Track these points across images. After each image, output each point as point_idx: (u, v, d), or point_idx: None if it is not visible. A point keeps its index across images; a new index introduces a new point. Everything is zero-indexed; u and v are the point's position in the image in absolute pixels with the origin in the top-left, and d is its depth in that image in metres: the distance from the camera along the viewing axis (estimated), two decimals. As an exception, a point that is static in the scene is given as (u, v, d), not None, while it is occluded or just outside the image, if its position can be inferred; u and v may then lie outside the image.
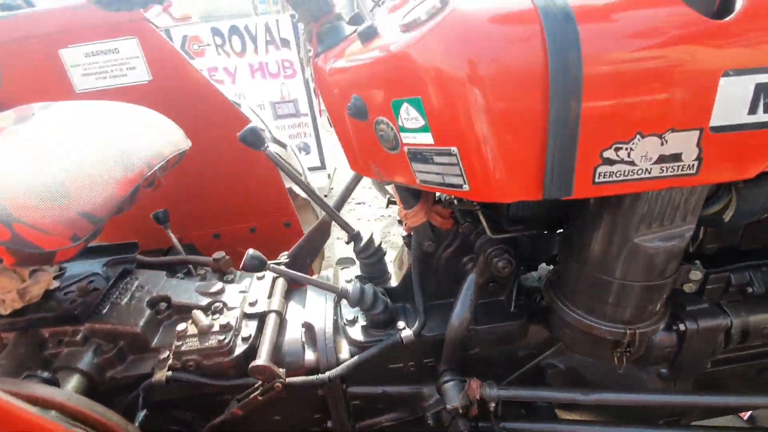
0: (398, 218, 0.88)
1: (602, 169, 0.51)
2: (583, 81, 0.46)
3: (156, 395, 0.84)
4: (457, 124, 0.51)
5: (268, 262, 0.80)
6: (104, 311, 0.87)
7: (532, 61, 0.46)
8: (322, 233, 1.06)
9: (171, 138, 0.91)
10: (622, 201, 0.59)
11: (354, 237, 0.93)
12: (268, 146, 0.83)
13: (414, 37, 0.50)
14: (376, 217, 3.02)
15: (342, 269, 1.45)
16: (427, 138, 0.55)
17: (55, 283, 0.93)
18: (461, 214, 0.83)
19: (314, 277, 1.06)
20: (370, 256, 0.93)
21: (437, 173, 0.57)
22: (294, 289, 1.06)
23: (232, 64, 2.96)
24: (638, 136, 0.49)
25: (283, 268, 0.83)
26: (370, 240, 0.93)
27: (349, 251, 2.33)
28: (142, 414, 0.77)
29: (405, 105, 0.55)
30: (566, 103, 0.47)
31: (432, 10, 0.50)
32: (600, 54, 0.46)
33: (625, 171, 0.51)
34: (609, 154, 0.50)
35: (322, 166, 3.37)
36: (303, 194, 1.60)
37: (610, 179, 0.51)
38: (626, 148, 0.50)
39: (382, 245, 0.97)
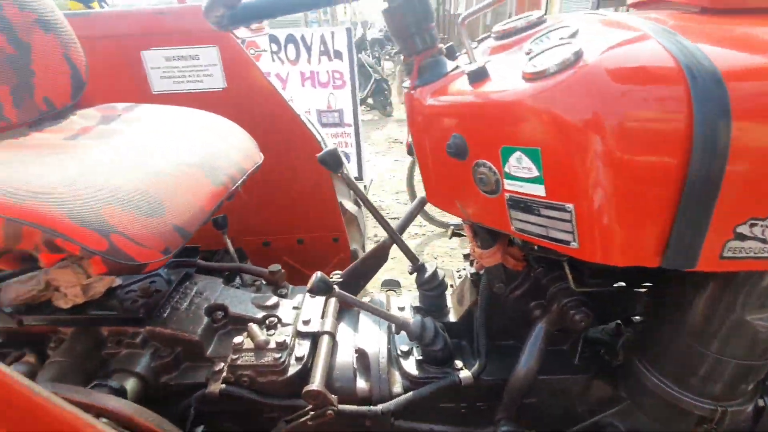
0: (469, 255, 0.85)
1: (733, 244, 0.47)
2: (729, 149, 0.42)
3: (206, 406, 0.83)
4: (579, 181, 0.48)
5: (335, 287, 0.78)
6: (165, 315, 0.87)
7: (674, 123, 0.43)
8: (378, 258, 1.04)
9: (249, 151, 0.92)
10: (742, 276, 0.54)
11: (418, 268, 0.90)
12: (345, 170, 0.83)
13: (541, 87, 0.48)
14: (410, 234, 2.99)
15: (387, 290, 1.42)
16: (538, 190, 0.52)
17: (118, 281, 0.93)
18: (536, 258, 0.79)
19: (367, 300, 1.04)
20: (433, 289, 0.90)
21: (541, 225, 0.54)
22: (345, 308, 1.03)
23: (285, 70, 3.02)
24: (778, 214, 0.45)
25: (347, 294, 0.81)
26: (435, 273, 0.90)
27: (391, 272, 2.30)
28: (200, 430, 0.75)
29: (518, 154, 0.52)
30: (707, 171, 0.43)
31: (564, 63, 0.47)
32: (751, 121, 0.42)
33: (756, 248, 0.47)
34: (743, 229, 0.46)
35: (360, 177, 3.37)
36: (351, 210, 1.59)
37: (739, 255, 0.47)
38: (762, 225, 0.46)
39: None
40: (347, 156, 3.34)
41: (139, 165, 0.67)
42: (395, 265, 2.37)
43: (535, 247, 0.77)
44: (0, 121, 0.80)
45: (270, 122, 1.30)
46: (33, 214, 0.53)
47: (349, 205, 1.59)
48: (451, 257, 2.62)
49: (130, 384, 0.79)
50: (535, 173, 0.52)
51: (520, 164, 0.53)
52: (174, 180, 0.68)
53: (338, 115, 3.20)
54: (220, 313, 0.93)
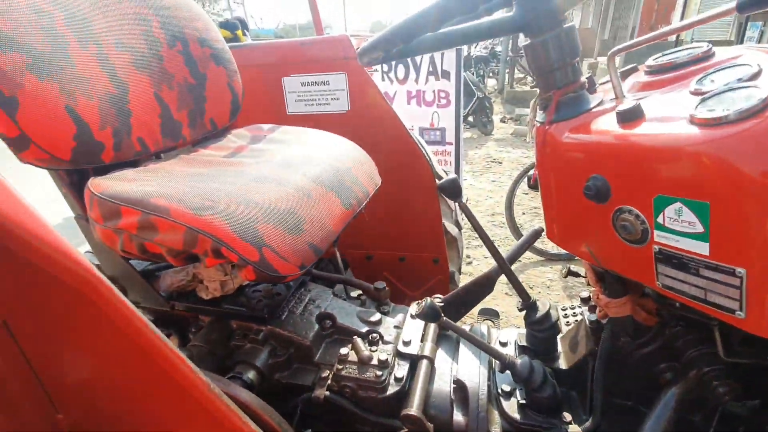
0: (590, 300, 0.79)
1: None
2: None
3: (310, 409, 0.88)
4: (755, 243, 0.41)
5: (443, 316, 0.78)
6: (283, 317, 0.95)
7: None
8: (483, 287, 1.01)
9: (371, 173, 0.98)
10: None
11: (530, 306, 0.86)
12: (465, 198, 0.83)
13: (719, 135, 0.43)
14: (505, 259, 2.86)
15: (484, 320, 1.37)
16: (700, 247, 0.46)
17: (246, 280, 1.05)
18: (673, 315, 0.70)
19: (466, 329, 1.02)
20: (544, 331, 0.85)
21: (698, 287, 0.48)
22: (444, 333, 1.03)
23: (393, 89, 3.14)
24: None
25: (453, 323, 0.81)
26: (548, 314, 0.85)
27: (489, 300, 2.23)
28: None
29: (677, 205, 0.47)
30: None
31: (749, 110, 0.41)
32: None
33: None
34: None
35: (456, 196, 3.34)
36: (452, 231, 1.58)
37: None
38: None
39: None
40: (445, 174, 3.34)
41: (285, 183, 0.76)
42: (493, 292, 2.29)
43: (677, 304, 0.68)
44: (179, 139, 0.96)
45: (386, 144, 1.36)
46: (208, 225, 0.63)
47: (451, 227, 1.58)
48: (549, 289, 2.44)
49: (251, 375, 0.88)
50: (699, 229, 0.46)
51: (679, 217, 0.47)
52: (312, 200, 0.75)
53: (440, 134, 3.22)
54: (328, 321, 0.99)
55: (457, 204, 0.88)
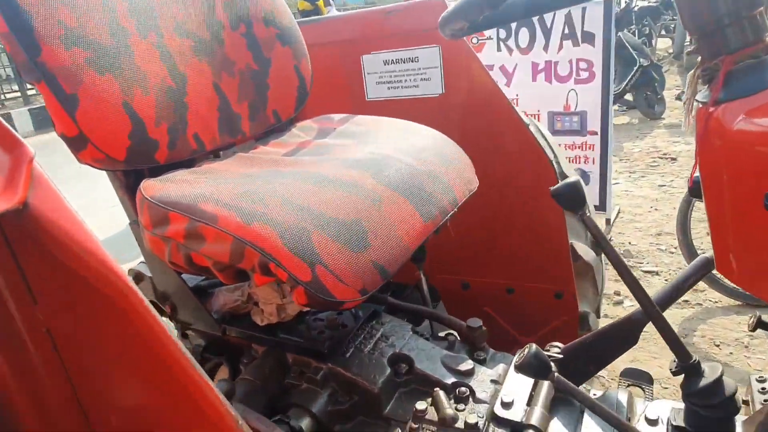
0: None
1: None
2: None
3: None
4: None
5: (554, 370, 0.75)
6: (348, 354, 1.01)
7: None
8: (623, 338, 0.95)
9: (464, 176, 1.00)
10: None
11: (689, 368, 0.78)
12: (587, 211, 0.80)
13: None
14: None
15: (629, 385, 1.28)
16: None
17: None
18: None
19: (597, 395, 0.96)
20: (713, 408, 0.76)
21: None
22: (560, 397, 0.98)
23: (512, 62, 3.09)
24: None
25: (569, 383, 0.77)
26: (719, 382, 0.76)
27: (637, 358, 2.08)
28: None
29: None
30: None
31: None
32: None
33: None
34: None
35: (602, 208, 3.14)
36: (586, 256, 1.50)
37: None
38: None
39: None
40: (586, 176, 3.16)
41: (351, 188, 0.81)
42: (644, 345, 2.10)
43: None
44: (238, 135, 1.09)
45: (490, 136, 1.36)
46: (257, 236, 0.71)
47: (584, 250, 1.51)
48: (748, 350, 2.14)
49: (305, 423, 0.94)
50: None
51: None
52: (382, 210, 0.79)
53: (579, 120, 3.08)
54: (404, 366, 1.02)
55: (580, 216, 0.84)
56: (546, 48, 2.99)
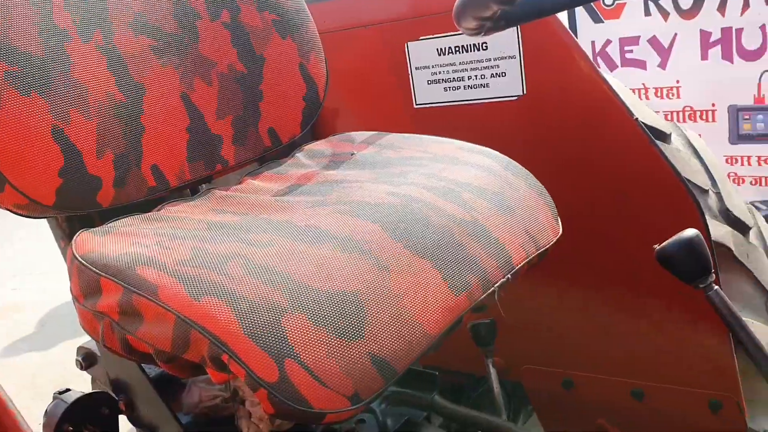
0: None
1: None
2: None
3: None
4: None
5: None
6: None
7: None
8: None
9: (533, 223, 1.00)
10: None
11: None
12: (712, 283, 0.80)
13: None
14: None
15: None
16: None
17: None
18: None
19: None
20: None
21: None
22: None
23: (669, 31, 3.03)
24: None
25: None
26: None
27: None
28: None
29: None
30: None
31: None
32: None
33: None
34: None
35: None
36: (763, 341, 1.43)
37: None
38: None
39: None
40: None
41: (348, 244, 0.84)
42: None
43: None
44: (216, 164, 1.16)
45: (594, 158, 1.34)
46: (205, 315, 0.74)
47: (758, 328, 1.43)
48: None
49: None
50: None
51: None
52: (390, 279, 0.81)
53: (780, 119, 2.95)
54: None
55: (705, 290, 0.83)
56: (723, 8, 2.92)
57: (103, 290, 0.85)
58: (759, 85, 2.93)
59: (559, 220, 1.08)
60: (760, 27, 2.84)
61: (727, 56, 2.95)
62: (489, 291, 0.89)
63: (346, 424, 1.12)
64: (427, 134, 1.23)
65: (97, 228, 0.97)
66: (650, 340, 1.43)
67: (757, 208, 3.07)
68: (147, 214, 1.02)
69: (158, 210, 1.05)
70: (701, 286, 0.84)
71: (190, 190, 1.20)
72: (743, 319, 0.87)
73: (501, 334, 1.29)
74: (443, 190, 0.98)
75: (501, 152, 1.15)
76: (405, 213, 0.92)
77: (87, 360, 1.36)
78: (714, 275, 0.85)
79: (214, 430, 1.17)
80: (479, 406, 1.41)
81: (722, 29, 2.92)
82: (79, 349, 1.39)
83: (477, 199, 0.98)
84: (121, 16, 1.08)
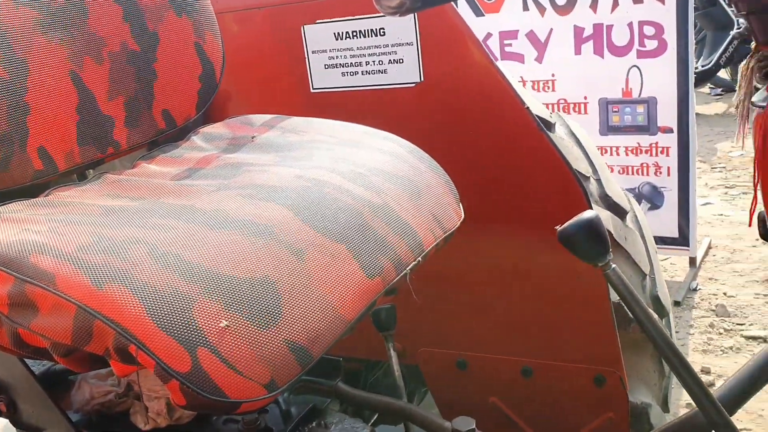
0: None
1: None
2: None
3: None
4: None
5: None
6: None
7: None
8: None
9: (439, 206, 1.01)
10: None
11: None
12: (610, 261, 0.83)
13: None
14: None
15: None
16: None
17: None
18: None
19: None
20: None
21: None
22: None
23: (545, 26, 3.15)
24: None
25: None
26: None
27: None
28: None
29: None
30: None
31: None
32: None
33: None
34: None
35: (682, 241, 3.17)
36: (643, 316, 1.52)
37: None
38: None
39: None
40: (657, 194, 3.19)
41: (261, 233, 0.81)
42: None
43: None
44: (108, 147, 1.10)
45: (489, 144, 1.37)
46: (110, 304, 0.70)
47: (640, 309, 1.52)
48: None
49: None
50: None
51: None
52: (306, 264, 0.79)
53: (645, 111, 3.12)
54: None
55: (602, 269, 0.87)
56: (594, 5, 3.04)
57: (-9, 281, 0.79)
58: (627, 79, 3.09)
59: (461, 204, 1.09)
60: (627, 24, 3.00)
61: (598, 51, 3.09)
62: (402, 273, 0.89)
63: (248, 415, 1.10)
64: (325, 119, 1.21)
65: None
66: (539, 320, 1.48)
67: (624, 211, 3.26)
68: (35, 199, 0.95)
69: (46, 195, 0.98)
70: (600, 264, 0.86)
71: (78, 175, 1.13)
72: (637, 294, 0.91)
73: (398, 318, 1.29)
74: (351, 173, 0.97)
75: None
76: (314, 196, 0.90)
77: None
78: (611, 254, 0.87)
79: (108, 428, 1.12)
80: (379, 390, 1.42)
81: (594, 25, 3.05)
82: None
83: (385, 183, 0.97)
84: (1, -13, 1.01)
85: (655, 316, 1.59)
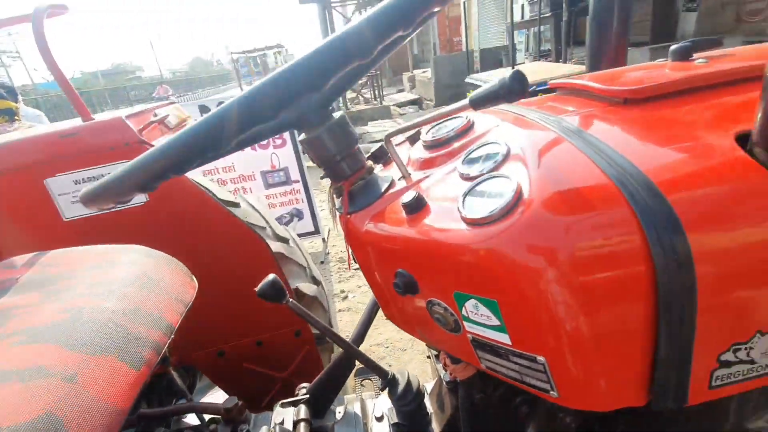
0: (439, 355, 0.78)
1: (720, 372, 0.43)
2: (696, 274, 0.38)
3: None
4: (545, 332, 0.42)
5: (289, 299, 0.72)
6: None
7: (630, 252, 0.39)
8: (345, 367, 0.94)
9: (179, 288, 0.80)
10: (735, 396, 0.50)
11: (390, 382, 0.81)
12: (289, 299, 0.74)
13: (486, 235, 0.42)
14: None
15: (362, 381, 1.31)
16: (502, 338, 0.46)
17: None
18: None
19: (341, 411, 0.94)
20: (410, 402, 0.81)
21: (514, 371, 0.48)
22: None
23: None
24: (758, 335, 0.42)
25: None
26: (408, 384, 0.82)
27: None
28: None
29: (473, 301, 0.46)
30: (678, 304, 0.39)
31: (506, 208, 0.42)
32: (708, 245, 0.39)
33: (744, 371, 0.43)
34: (727, 356, 0.42)
35: (316, 231, 3.28)
36: (309, 292, 1.49)
37: (728, 381, 0.43)
38: (745, 348, 0.42)
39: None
40: (299, 213, 3.24)
41: (34, 374, 0.54)
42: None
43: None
44: None
45: (205, 226, 1.18)
46: None
47: (306, 287, 1.49)
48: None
49: None
50: (496, 322, 0.45)
51: (478, 311, 0.46)
52: (79, 384, 0.54)
53: (284, 174, 3.13)
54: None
55: (285, 302, 0.77)
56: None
57: None
58: (270, 159, 3.06)
59: (194, 277, 0.90)
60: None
61: (253, 148, 2.99)
62: (161, 352, 0.66)
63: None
64: (81, 245, 0.88)
65: None
66: (256, 311, 1.34)
67: (282, 217, 3.23)
68: None
69: None
70: (284, 302, 0.77)
71: None
72: (308, 311, 0.83)
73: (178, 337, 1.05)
74: (105, 290, 0.70)
75: (141, 244, 0.89)
76: (77, 324, 0.62)
77: None
78: (288, 295, 0.77)
79: None
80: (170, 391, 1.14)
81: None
82: None
83: (132, 288, 0.73)
84: None
85: (316, 286, 1.59)
